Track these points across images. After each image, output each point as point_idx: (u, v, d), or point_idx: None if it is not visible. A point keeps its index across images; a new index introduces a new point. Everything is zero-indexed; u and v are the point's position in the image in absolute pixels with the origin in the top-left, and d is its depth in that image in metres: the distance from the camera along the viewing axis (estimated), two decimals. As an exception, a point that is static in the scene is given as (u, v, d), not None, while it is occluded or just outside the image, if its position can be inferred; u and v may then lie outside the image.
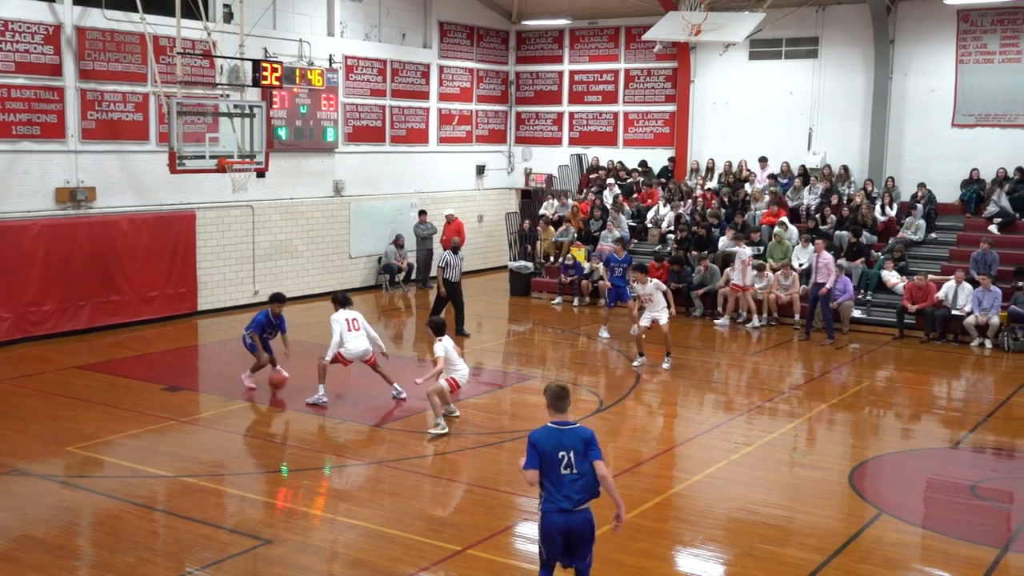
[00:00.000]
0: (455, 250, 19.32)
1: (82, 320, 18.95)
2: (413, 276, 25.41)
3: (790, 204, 23.71)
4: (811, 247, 21.24)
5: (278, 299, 15.12)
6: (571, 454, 6.96)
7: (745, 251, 21.15)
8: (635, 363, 16.92)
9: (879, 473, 12.02)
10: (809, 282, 19.90)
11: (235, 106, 18.87)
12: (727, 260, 21.75)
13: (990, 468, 12.42)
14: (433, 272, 25.45)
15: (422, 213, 25.44)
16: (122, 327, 19.40)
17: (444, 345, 12.84)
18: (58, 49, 18.54)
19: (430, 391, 12.75)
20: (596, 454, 7.03)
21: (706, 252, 22.33)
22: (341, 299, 14.49)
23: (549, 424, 7.09)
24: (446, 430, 12.66)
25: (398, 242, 24.96)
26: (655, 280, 17.06)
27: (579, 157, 28.29)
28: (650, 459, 12.08)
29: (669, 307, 16.75)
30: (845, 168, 24.27)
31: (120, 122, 19.60)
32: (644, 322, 16.84)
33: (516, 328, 21.16)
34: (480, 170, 28.56)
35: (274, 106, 21.91)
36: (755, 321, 20.59)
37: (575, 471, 6.95)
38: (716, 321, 20.89)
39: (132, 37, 19.48)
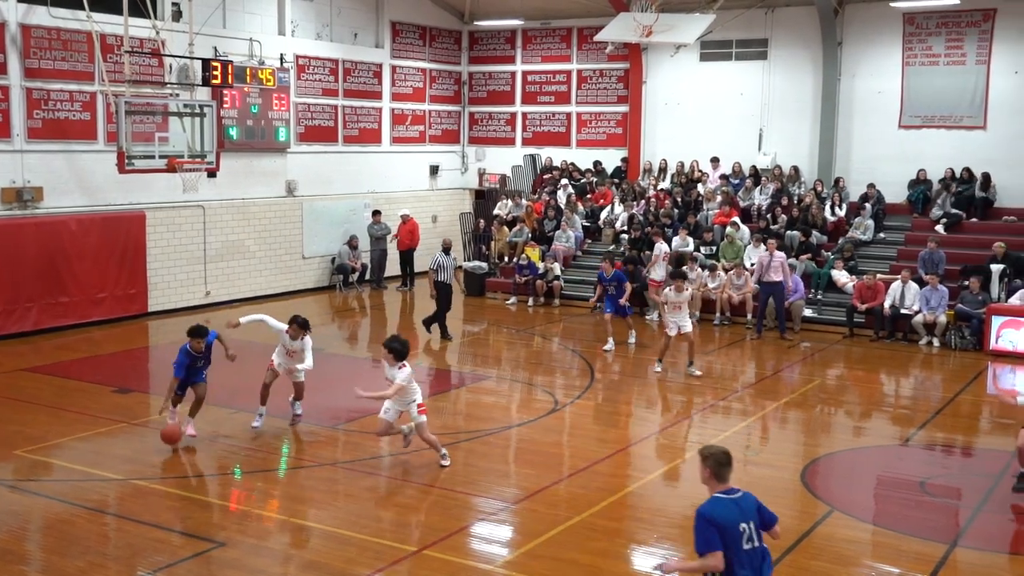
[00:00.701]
0: (446, 251, 19.14)
1: (29, 322, 18.62)
2: (367, 276, 25.28)
3: (741, 204, 23.93)
4: (763, 247, 21.51)
5: (198, 333, 12.19)
6: (751, 525, 6.19)
7: (662, 246, 21.35)
8: (656, 368, 16.62)
9: (830, 471, 12.18)
10: (755, 279, 20.18)
11: (185, 105, 18.67)
12: (680, 260, 21.91)
13: (939, 465, 12.62)
14: (383, 269, 25.43)
15: (376, 213, 25.33)
16: (70, 329, 19.09)
17: (407, 374, 11.24)
18: (2, 47, 18.20)
19: (423, 435, 11.40)
20: (773, 516, 6.42)
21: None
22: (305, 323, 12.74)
23: (718, 495, 6.24)
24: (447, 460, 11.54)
25: (352, 243, 24.82)
26: (691, 289, 16.68)
27: (532, 157, 28.33)
28: (605, 458, 12.12)
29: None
30: (795, 168, 24.55)
31: (67, 121, 19.29)
32: (671, 331, 16.43)
33: (471, 328, 21.12)
34: (434, 170, 28.50)
35: (225, 105, 21.68)
36: (653, 315, 21.02)
37: (756, 544, 6.20)
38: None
39: (79, 35, 19.18)
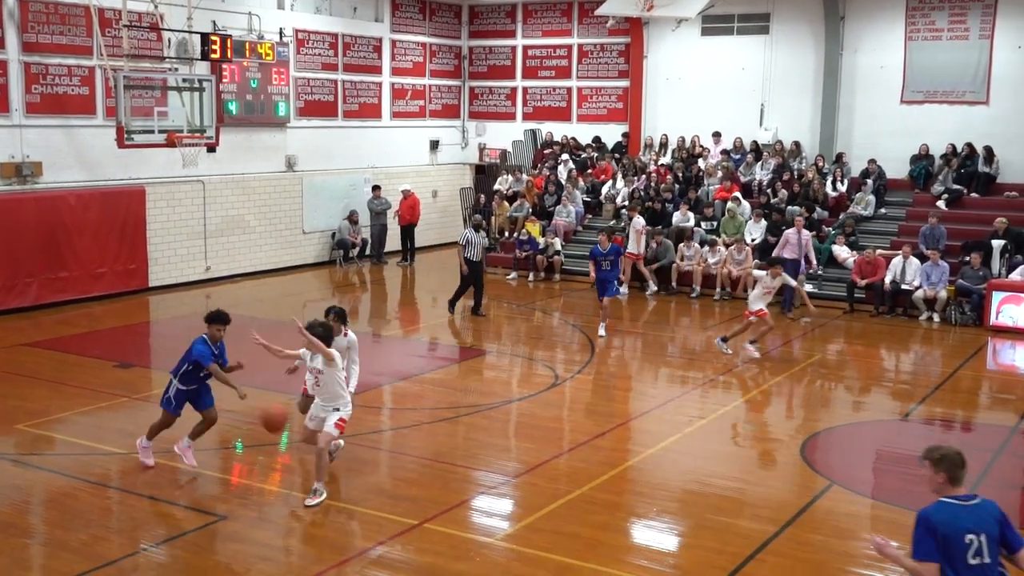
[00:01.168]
0: (476, 228, 18.92)
1: (29, 297, 18.62)
2: (367, 251, 25.26)
3: (742, 179, 23.88)
4: (764, 222, 21.57)
5: (219, 319, 10.35)
6: (982, 538, 5.42)
7: (639, 220, 21.34)
8: (755, 354, 15.97)
9: (830, 445, 12.21)
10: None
11: (184, 80, 18.60)
12: (680, 235, 21.91)
13: (938, 439, 12.64)
14: (384, 244, 25.40)
15: (376, 188, 25.28)
16: (70, 304, 19.09)
17: (341, 349, 10.01)
18: (0, 21, 18.10)
19: (321, 447, 9.67)
20: (1018, 539, 5.60)
21: (660, 227, 22.45)
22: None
23: (947, 500, 5.55)
24: (324, 495, 9.66)
25: (352, 217, 24.79)
26: (785, 275, 16.25)
27: (533, 132, 28.24)
28: (605, 432, 12.15)
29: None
30: (796, 144, 24.47)
31: (66, 96, 19.21)
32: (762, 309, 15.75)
33: (471, 303, 21.07)
34: (434, 145, 28.42)
35: (224, 80, 21.58)
36: (651, 287, 21.36)
37: (986, 560, 5.43)
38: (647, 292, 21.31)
39: (76, 9, 19.05)
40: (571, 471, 10.79)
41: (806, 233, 19.84)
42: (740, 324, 16.37)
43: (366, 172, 25.87)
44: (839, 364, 16.26)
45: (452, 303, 19.03)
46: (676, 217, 22.62)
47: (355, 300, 21.84)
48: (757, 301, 15.90)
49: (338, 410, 9.73)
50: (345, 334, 10.66)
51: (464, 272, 18.66)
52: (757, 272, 16.51)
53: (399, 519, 9.31)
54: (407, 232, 25.37)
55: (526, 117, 28.70)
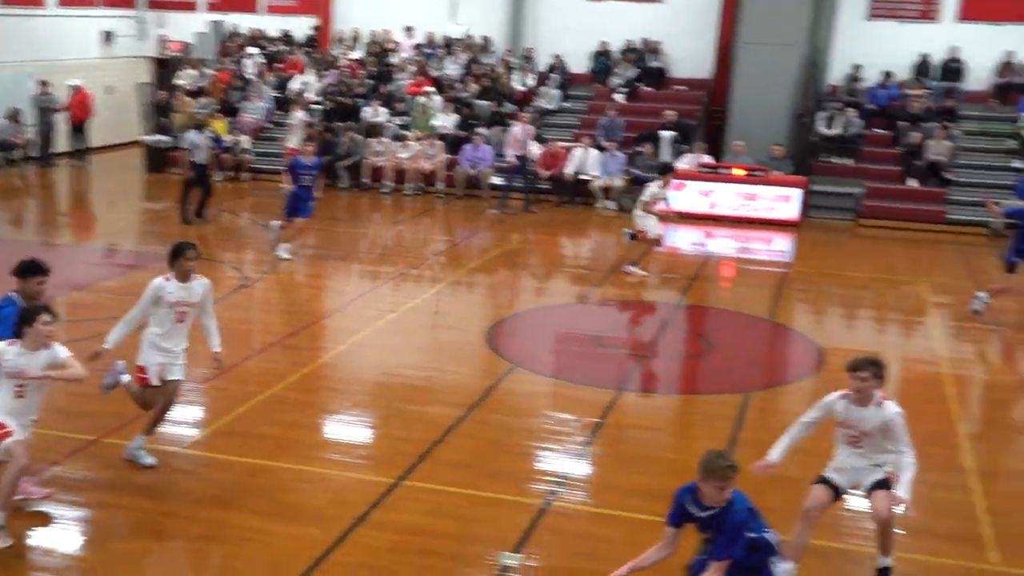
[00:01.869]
0: (199, 127, 17.55)
1: None
2: (34, 153, 23.28)
3: (434, 74, 23.97)
4: (454, 116, 21.84)
5: (37, 270, 8.05)
6: None
7: (301, 115, 21.43)
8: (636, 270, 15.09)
9: (514, 330, 12.77)
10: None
11: None
12: (371, 131, 21.79)
13: (612, 319, 13.55)
14: (51, 144, 23.58)
15: (44, 84, 23.25)
16: None
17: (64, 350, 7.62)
18: None
19: (24, 465, 7.04)
20: None
21: (351, 123, 22.20)
22: None
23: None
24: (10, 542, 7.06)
25: (15, 116, 22.70)
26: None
27: (217, 24, 26.87)
28: (297, 332, 12.07)
29: None
30: (486, 39, 24.79)
31: None
32: (654, 232, 14.95)
33: (152, 206, 20.07)
34: (107, 36, 26.41)
35: None
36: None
37: None
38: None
39: None
40: (261, 372, 10.66)
41: (530, 128, 20.15)
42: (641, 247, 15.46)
43: (30, 66, 23.66)
44: (523, 252, 16.91)
45: (200, 210, 17.59)
46: (367, 112, 22.43)
47: (20, 207, 20.20)
48: (646, 216, 14.88)
49: (33, 418, 7.43)
50: (199, 277, 8.45)
51: (189, 178, 17.54)
52: (651, 188, 15.03)
53: (77, 436, 8.87)
54: (79, 130, 23.59)
55: (211, 8, 27.20)
